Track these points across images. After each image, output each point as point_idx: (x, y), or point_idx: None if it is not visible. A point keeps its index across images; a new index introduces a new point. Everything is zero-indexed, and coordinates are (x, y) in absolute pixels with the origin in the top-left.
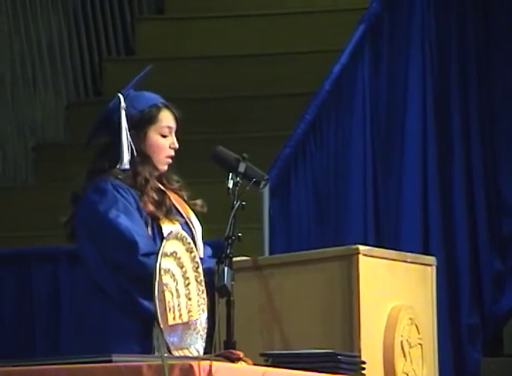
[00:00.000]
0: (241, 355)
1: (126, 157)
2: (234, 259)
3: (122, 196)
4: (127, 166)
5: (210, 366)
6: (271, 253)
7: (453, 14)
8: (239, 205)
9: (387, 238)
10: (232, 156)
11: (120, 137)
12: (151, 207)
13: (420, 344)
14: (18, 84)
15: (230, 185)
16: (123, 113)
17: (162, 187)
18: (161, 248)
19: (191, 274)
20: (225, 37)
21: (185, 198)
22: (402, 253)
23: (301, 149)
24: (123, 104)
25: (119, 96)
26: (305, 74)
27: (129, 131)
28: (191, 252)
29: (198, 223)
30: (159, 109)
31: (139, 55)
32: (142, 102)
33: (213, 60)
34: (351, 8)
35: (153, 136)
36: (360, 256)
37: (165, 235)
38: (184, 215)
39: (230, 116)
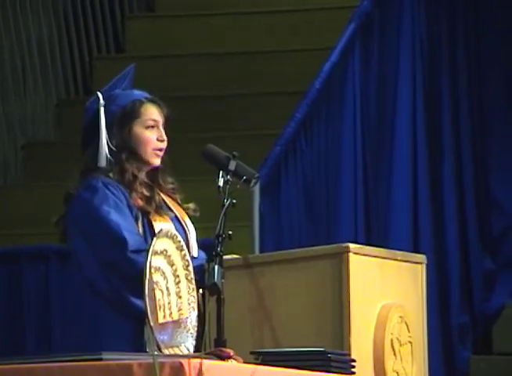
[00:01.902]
0: (231, 353)
1: (102, 154)
2: (224, 257)
3: (112, 193)
4: (102, 164)
5: (201, 364)
6: (261, 251)
7: (444, 11)
8: (229, 203)
9: (378, 236)
10: (222, 154)
11: (100, 135)
12: (141, 203)
13: (410, 342)
14: (8, 82)
15: (220, 183)
16: (102, 110)
17: (152, 184)
18: (151, 246)
19: (181, 272)
20: (215, 36)
21: (179, 201)
22: (393, 251)
23: (292, 147)
24: (102, 102)
25: (97, 95)
26: (296, 72)
27: (113, 128)
28: (181, 250)
29: (192, 226)
30: (141, 103)
31: (129, 53)
32: (123, 98)
33: (203, 58)
34: (343, 6)
35: (138, 130)
36: (350, 254)
37: (156, 231)
38: (174, 211)
39: (221, 114)
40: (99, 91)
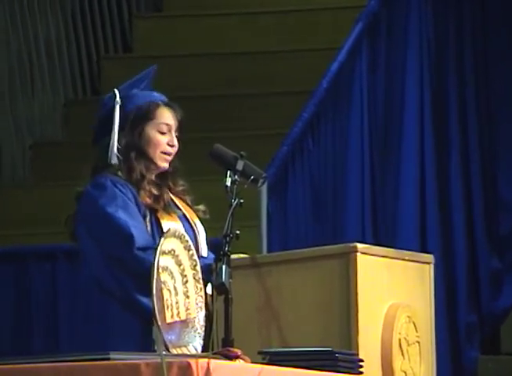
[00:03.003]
0: (239, 353)
1: (114, 152)
2: (232, 257)
3: (121, 191)
4: (114, 161)
5: (208, 363)
6: (269, 251)
7: (451, 10)
8: (237, 203)
9: (385, 236)
10: (230, 154)
11: (112, 132)
12: (149, 201)
13: (418, 342)
14: (15, 82)
15: (228, 183)
16: (117, 108)
17: (170, 191)
18: (159, 246)
19: (189, 272)
20: (222, 35)
21: (189, 203)
22: (400, 251)
23: (299, 147)
24: (118, 100)
25: (114, 92)
26: (303, 71)
27: (126, 126)
28: (189, 250)
29: (202, 227)
30: (157, 105)
31: (137, 52)
32: (140, 98)
33: (210, 58)
34: (350, 5)
35: (150, 132)
36: (358, 254)
37: (164, 229)
38: (183, 210)
39: (228, 114)
40: (117, 88)
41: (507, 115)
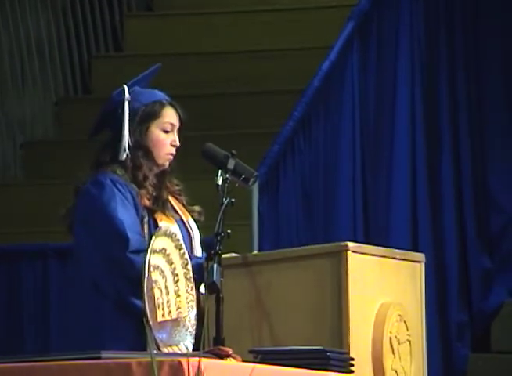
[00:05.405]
0: (230, 351)
1: (125, 149)
2: (223, 256)
3: (120, 191)
4: (123, 158)
5: (199, 362)
6: (260, 250)
7: (442, 9)
8: (228, 202)
9: (376, 235)
10: (221, 152)
11: (122, 128)
12: (147, 202)
13: (409, 340)
14: (6, 81)
15: (219, 182)
16: (126, 104)
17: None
18: (150, 245)
19: (180, 271)
20: (214, 34)
21: (184, 203)
22: (391, 250)
23: (290, 146)
24: (127, 96)
25: (124, 88)
26: (294, 70)
27: (132, 124)
28: (180, 249)
29: (196, 228)
30: (163, 105)
31: (128, 51)
32: (146, 96)
33: (201, 57)
34: (340, 4)
35: (155, 131)
36: (349, 253)
37: None
38: (180, 213)
39: (219, 113)
40: (126, 84)
41: (498, 114)
